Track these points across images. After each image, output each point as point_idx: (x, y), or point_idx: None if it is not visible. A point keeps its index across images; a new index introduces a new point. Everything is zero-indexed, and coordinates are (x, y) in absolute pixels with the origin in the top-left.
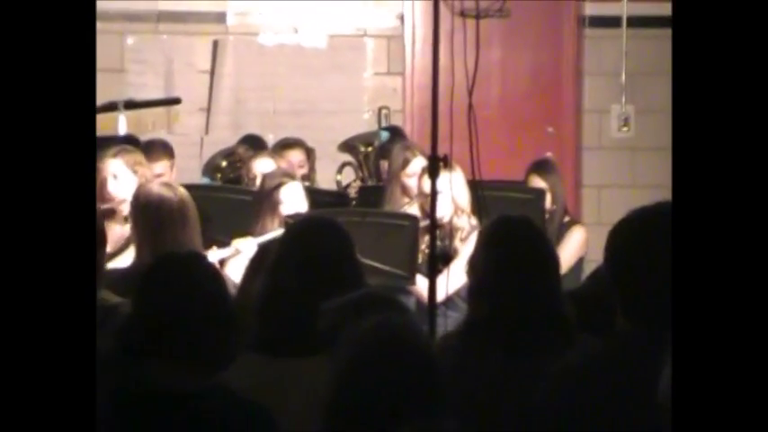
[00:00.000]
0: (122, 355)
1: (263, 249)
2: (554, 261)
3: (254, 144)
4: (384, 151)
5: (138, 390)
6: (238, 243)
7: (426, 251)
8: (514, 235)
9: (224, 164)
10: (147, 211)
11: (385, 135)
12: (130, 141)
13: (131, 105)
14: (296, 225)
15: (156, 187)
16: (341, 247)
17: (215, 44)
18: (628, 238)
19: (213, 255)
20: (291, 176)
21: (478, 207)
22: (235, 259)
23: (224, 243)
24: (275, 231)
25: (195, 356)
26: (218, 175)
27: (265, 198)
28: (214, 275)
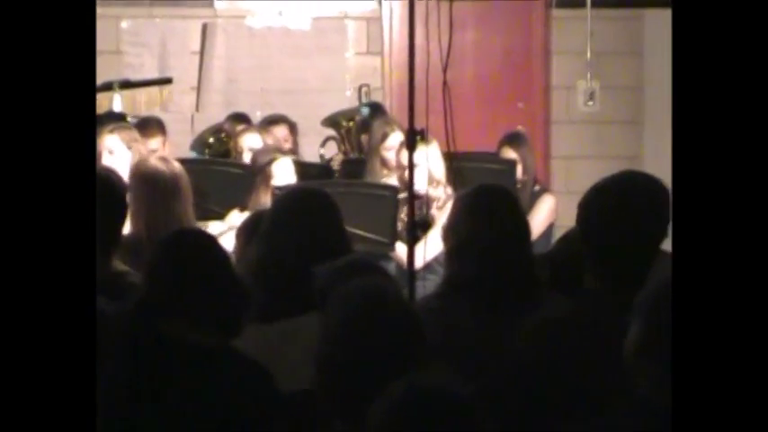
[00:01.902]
0: (139, 312)
1: (255, 219)
2: (526, 226)
3: (241, 121)
4: (365, 126)
5: (156, 340)
6: (232, 218)
7: (405, 219)
8: (493, 202)
9: (211, 140)
10: (143, 183)
11: (366, 111)
12: (120, 118)
13: (126, 85)
14: (287, 195)
15: (152, 161)
16: (330, 214)
17: (204, 27)
18: (599, 202)
19: (210, 229)
20: (282, 152)
21: (454, 177)
22: (230, 232)
23: (218, 214)
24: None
25: (208, 323)
26: (207, 151)
27: (259, 173)
28: (220, 249)
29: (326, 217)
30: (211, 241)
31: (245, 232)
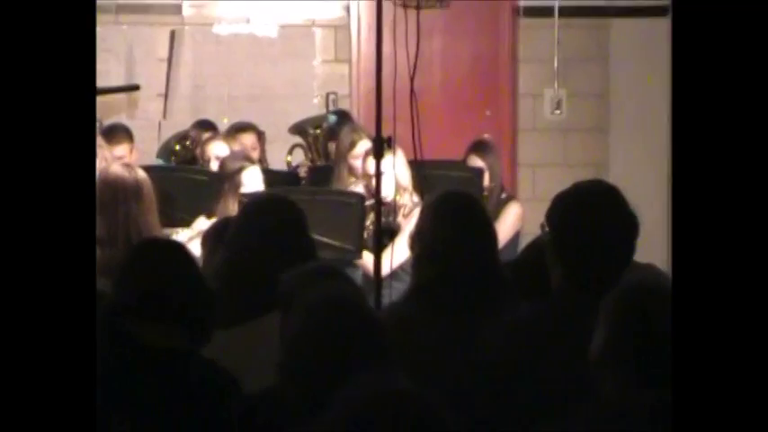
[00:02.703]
0: (107, 317)
1: (222, 226)
2: (492, 230)
3: (207, 128)
4: (332, 133)
5: (123, 344)
6: (199, 225)
7: (372, 227)
8: (459, 208)
9: (177, 147)
10: (105, 189)
11: (333, 118)
12: None
13: None
14: (253, 202)
15: (114, 168)
16: (295, 222)
17: (172, 34)
18: (568, 208)
19: (179, 236)
20: (251, 161)
21: (420, 185)
22: (196, 239)
23: (185, 221)
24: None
25: (176, 329)
26: (173, 158)
27: (227, 180)
28: (189, 257)
29: (291, 225)
30: (179, 249)
31: (210, 239)
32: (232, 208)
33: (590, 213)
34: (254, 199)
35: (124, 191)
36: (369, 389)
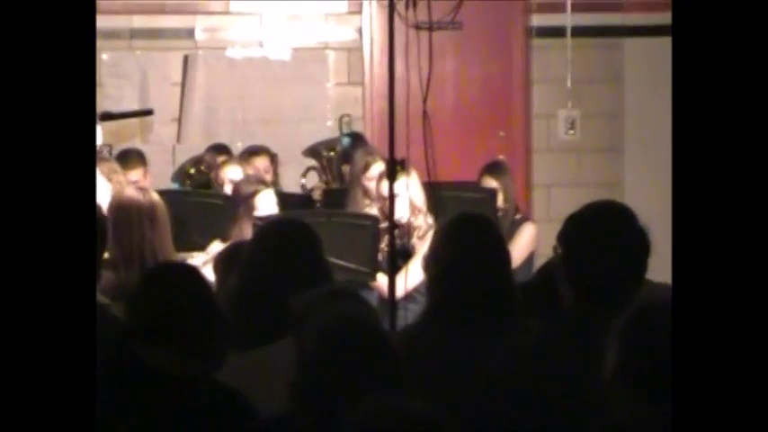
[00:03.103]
0: (122, 342)
1: (234, 250)
2: (506, 252)
3: (221, 151)
4: (346, 156)
5: (137, 370)
6: (213, 249)
7: (386, 249)
8: (473, 230)
9: (192, 171)
10: (118, 211)
11: (347, 141)
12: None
13: (107, 117)
14: (268, 226)
15: (128, 191)
16: (310, 245)
17: (185, 58)
18: (579, 228)
19: (194, 260)
20: (265, 184)
21: (434, 207)
22: (211, 264)
23: (200, 245)
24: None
25: (190, 354)
26: (188, 182)
27: (241, 204)
28: (203, 281)
29: (307, 248)
30: (194, 273)
31: (222, 263)
32: (246, 232)
33: (600, 233)
34: (269, 222)
35: (139, 214)
36: (379, 410)
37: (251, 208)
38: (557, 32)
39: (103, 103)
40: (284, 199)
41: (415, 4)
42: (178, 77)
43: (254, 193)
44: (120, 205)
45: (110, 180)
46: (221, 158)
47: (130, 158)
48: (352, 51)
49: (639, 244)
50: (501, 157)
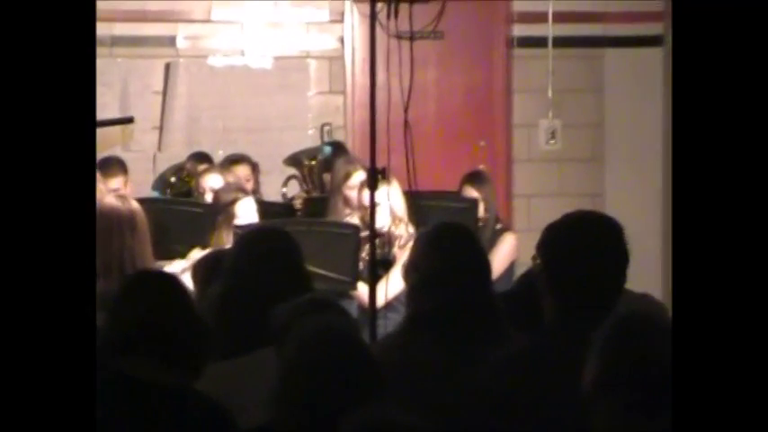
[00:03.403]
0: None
1: (213, 259)
2: (487, 262)
3: (202, 160)
4: (327, 165)
5: (117, 381)
6: (193, 257)
7: (367, 258)
8: (453, 239)
9: (173, 179)
10: (98, 220)
11: (328, 150)
12: None
13: None
14: (249, 234)
15: (108, 199)
16: (291, 254)
17: (167, 66)
18: (557, 238)
19: (172, 267)
20: (245, 192)
21: (415, 216)
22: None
23: (178, 252)
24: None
25: (170, 363)
26: (169, 190)
27: (221, 212)
28: (183, 289)
29: (289, 257)
30: (172, 280)
31: (203, 272)
32: (226, 239)
33: (579, 243)
34: (250, 230)
35: (119, 222)
36: (368, 422)
37: (231, 216)
38: (538, 42)
39: None
40: (265, 208)
41: (396, 14)
42: (159, 85)
43: (233, 201)
44: (99, 214)
45: None
46: (202, 167)
47: (111, 166)
48: (334, 60)
49: (619, 253)
50: (482, 166)
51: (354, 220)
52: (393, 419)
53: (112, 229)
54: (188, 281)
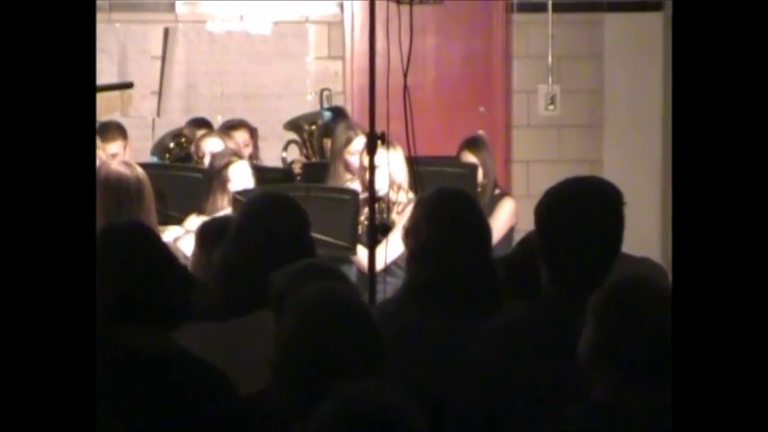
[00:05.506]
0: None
1: (219, 225)
2: (487, 230)
3: (201, 125)
4: (327, 130)
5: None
6: (189, 223)
7: (366, 223)
8: (453, 205)
9: (172, 144)
10: (107, 188)
11: (328, 115)
12: None
13: None
14: (255, 200)
15: (115, 165)
16: (298, 222)
17: (166, 32)
18: (557, 204)
19: (168, 234)
20: (239, 156)
21: (414, 182)
22: (187, 236)
23: (176, 218)
24: (224, 210)
25: (149, 316)
26: (167, 155)
27: (215, 176)
28: (154, 241)
29: (294, 224)
30: (140, 230)
31: (210, 238)
32: (221, 204)
33: (571, 211)
34: (254, 197)
35: (128, 191)
36: (349, 402)
37: (224, 180)
38: (538, 8)
39: None
40: (264, 173)
41: None
42: (158, 51)
43: (227, 165)
44: (108, 181)
45: None
46: (201, 132)
47: (110, 131)
48: (333, 25)
49: (615, 220)
50: (481, 132)
51: (355, 185)
52: (371, 401)
53: (121, 198)
54: (184, 247)
